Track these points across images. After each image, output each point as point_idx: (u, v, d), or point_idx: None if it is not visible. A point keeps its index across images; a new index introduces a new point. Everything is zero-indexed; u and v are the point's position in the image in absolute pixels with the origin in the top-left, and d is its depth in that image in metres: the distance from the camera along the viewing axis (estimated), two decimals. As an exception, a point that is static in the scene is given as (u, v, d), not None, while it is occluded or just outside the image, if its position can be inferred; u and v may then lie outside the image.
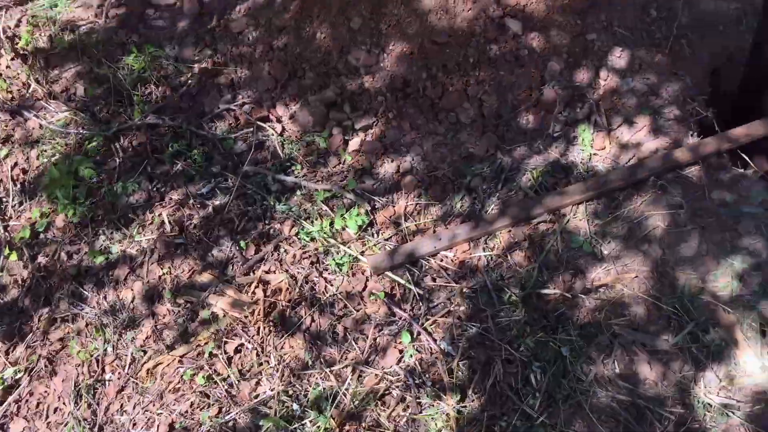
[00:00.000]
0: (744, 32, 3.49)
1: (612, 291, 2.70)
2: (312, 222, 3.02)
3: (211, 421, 2.57)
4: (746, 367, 2.46)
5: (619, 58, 3.20)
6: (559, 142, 3.12)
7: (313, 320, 2.78)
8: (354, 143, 3.21)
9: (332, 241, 2.93)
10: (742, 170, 3.01)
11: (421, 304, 2.76)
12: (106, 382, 2.80)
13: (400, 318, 2.73)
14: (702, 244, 2.71)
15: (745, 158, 3.31)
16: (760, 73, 3.19)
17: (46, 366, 2.89)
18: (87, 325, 2.95)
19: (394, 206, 3.02)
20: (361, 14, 3.33)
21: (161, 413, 2.66)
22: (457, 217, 2.98)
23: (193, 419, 2.63)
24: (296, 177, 3.17)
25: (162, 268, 3.04)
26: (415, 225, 2.97)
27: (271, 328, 2.74)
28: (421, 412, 2.52)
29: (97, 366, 2.84)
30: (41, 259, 3.17)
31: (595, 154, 3.07)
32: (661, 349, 2.53)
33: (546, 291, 2.71)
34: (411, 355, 2.63)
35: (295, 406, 2.57)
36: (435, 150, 3.18)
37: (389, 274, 2.83)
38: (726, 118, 3.71)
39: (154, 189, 3.30)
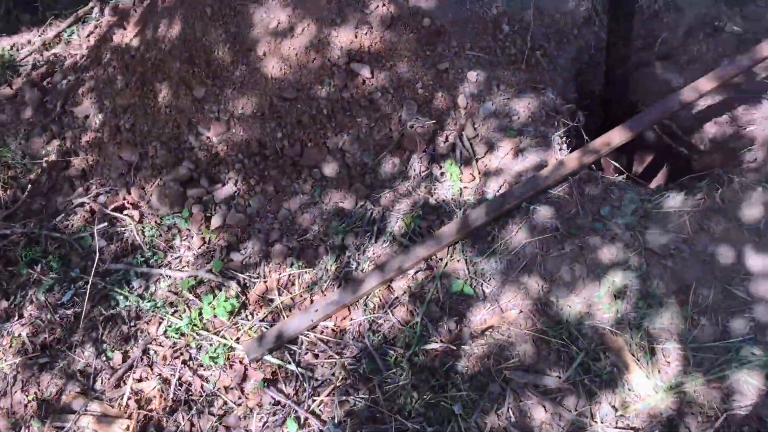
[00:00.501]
0: (598, 31, 3.50)
1: (498, 332, 2.60)
2: (180, 315, 2.84)
3: None
4: (639, 390, 2.40)
5: (475, 82, 3.15)
6: (427, 182, 3.03)
7: (192, 425, 2.59)
8: (216, 219, 3.05)
9: (203, 333, 2.76)
10: (612, 178, 2.98)
11: (305, 384, 2.61)
12: None
13: (284, 405, 2.57)
14: (581, 265, 2.65)
15: (617, 165, 3.30)
16: (619, 68, 3.20)
17: None
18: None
19: (265, 281, 2.87)
20: (203, 82, 3.18)
21: None
22: (334, 280, 2.85)
23: None
24: (159, 267, 2.98)
25: (27, 395, 2.80)
26: (290, 297, 2.82)
27: (147, 445, 2.54)
28: None
29: None
30: None
31: (465, 187, 3.00)
32: (554, 387, 2.44)
33: (431, 346, 2.59)
34: (299, 445, 2.48)
35: None
36: (303, 211, 3.05)
37: (268, 357, 2.67)
38: (599, 118, 3.73)
39: (12, 306, 3.06)
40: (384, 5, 3.13)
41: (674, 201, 2.78)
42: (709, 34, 3.65)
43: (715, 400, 2.31)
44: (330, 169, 3.08)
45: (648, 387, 2.39)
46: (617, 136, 2.86)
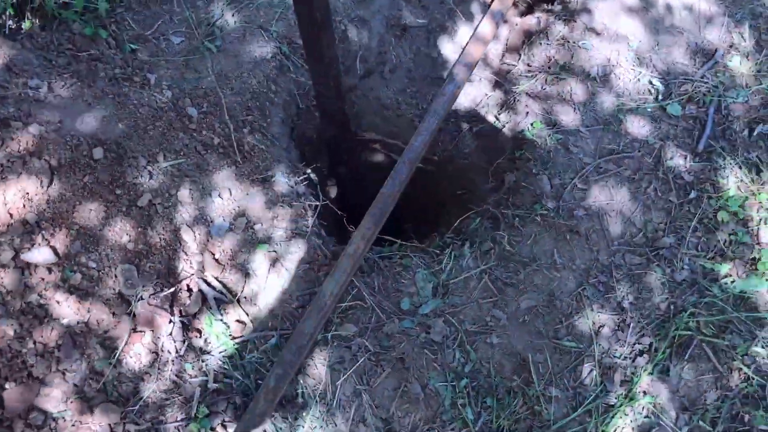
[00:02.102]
0: (296, 76, 3.09)
1: None
2: None
3: None
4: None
5: (191, 203, 2.51)
6: (192, 358, 2.36)
7: None
8: None
9: None
10: (391, 252, 2.69)
11: None
12: None
13: None
14: (413, 383, 2.35)
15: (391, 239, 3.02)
16: (330, 104, 2.89)
17: None
18: None
19: None
20: None
21: None
22: None
23: None
24: None
25: None
26: None
27: None
28: None
29: None
30: None
31: (237, 344, 2.41)
32: None
33: None
34: None
35: None
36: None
37: None
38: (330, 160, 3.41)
39: None
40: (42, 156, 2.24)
41: (466, 261, 2.61)
42: (399, 36, 3.50)
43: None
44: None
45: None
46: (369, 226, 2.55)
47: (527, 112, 3.15)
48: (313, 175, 2.98)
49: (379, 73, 3.50)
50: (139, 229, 2.41)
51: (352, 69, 3.38)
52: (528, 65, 3.49)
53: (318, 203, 2.80)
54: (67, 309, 2.23)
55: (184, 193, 2.54)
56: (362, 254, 2.52)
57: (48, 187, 2.27)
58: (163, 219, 2.47)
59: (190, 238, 2.51)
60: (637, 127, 2.94)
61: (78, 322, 2.25)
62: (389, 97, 3.56)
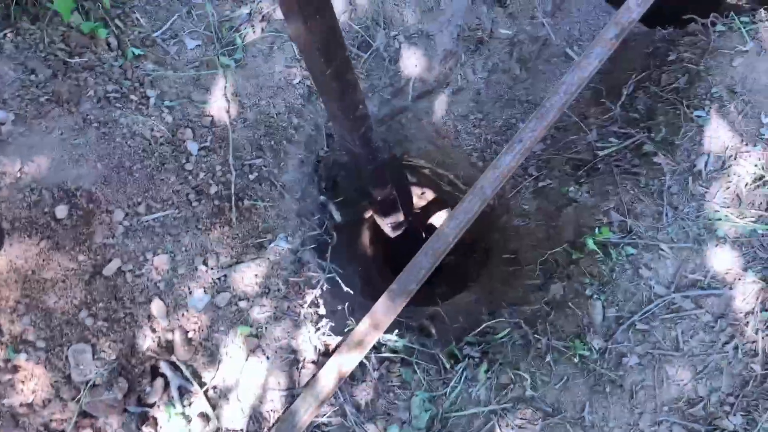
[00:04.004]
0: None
1: None
2: None
3: None
4: None
5: (168, 269, 2.29)
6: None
7: None
8: None
9: None
10: (391, 358, 2.40)
11: None
12: None
13: None
14: None
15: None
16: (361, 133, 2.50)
17: None
18: None
19: None
20: None
21: None
22: None
23: None
24: None
25: None
26: None
27: None
28: None
29: None
30: None
31: (199, 444, 2.25)
32: None
33: None
34: None
35: None
36: None
37: None
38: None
39: None
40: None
41: (477, 390, 2.29)
42: (474, 50, 2.96)
43: None
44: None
45: None
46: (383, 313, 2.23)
47: (608, 190, 2.63)
48: (327, 228, 2.65)
49: (439, 94, 3.00)
50: (102, 304, 2.20)
51: (403, 91, 2.90)
52: (627, 114, 2.89)
53: (322, 276, 2.49)
54: (9, 389, 2.10)
55: (161, 259, 2.29)
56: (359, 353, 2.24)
57: (-5, 254, 2.07)
58: (132, 290, 2.24)
59: (161, 312, 2.28)
60: (738, 253, 2.39)
61: (21, 404, 2.12)
62: (447, 123, 3.08)
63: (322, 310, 2.52)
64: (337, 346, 2.39)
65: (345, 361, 2.28)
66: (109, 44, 2.49)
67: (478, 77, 3.04)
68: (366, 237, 3.74)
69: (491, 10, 2.95)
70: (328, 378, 2.27)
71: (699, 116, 2.58)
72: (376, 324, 2.35)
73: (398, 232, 3.35)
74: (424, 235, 3.60)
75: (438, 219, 4.02)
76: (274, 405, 2.32)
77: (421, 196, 3.87)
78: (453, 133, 3.09)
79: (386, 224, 3.25)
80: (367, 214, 3.59)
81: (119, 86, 2.45)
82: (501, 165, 2.48)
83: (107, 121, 2.36)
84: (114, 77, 2.45)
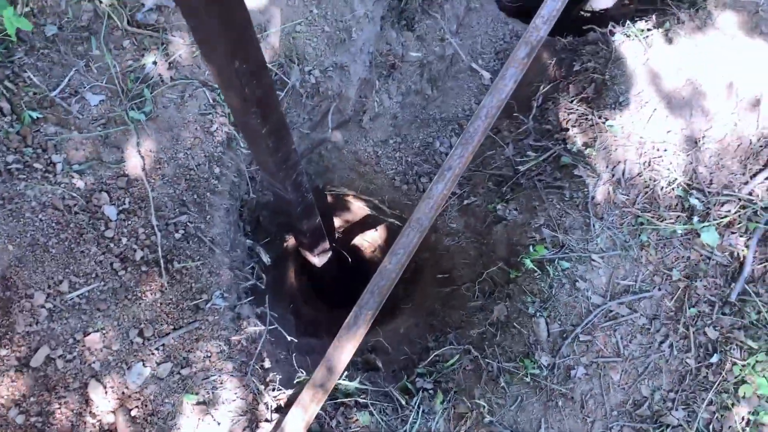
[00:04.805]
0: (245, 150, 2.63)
1: None
2: None
3: None
4: None
5: (102, 348, 2.16)
6: None
7: None
8: None
9: None
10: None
11: None
12: None
13: None
14: None
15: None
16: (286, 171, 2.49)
17: None
18: None
19: None
20: None
21: None
22: None
23: None
24: None
25: None
26: None
27: None
28: None
29: None
30: None
31: None
32: None
33: None
34: None
35: None
36: None
37: None
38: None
39: None
40: None
41: (436, 423, 2.33)
42: (387, 75, 2.99)
43: None
44: None
45: None
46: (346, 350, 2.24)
47: (535, 206, 2.73)
48: (261, 281, 2.61)
49: (357, 122, 3.01)
50: (33, 398, 2.06)
51: (321, 124, 2.89)
52: (540, 126, 3.02)
53: (263, 329, 2.45)
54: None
55: (93, 338, 2.18)
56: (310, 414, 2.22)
57: None
58: (65, 376, 2.12)
59: (99, 395, 2.18)
60: (661, 254, 2.56)
61: None
62: (367, 150, 3.10)
63: (267, 363, 2.48)
64: (291, 400, 2.37)
65: (307, 411, 2.26)
66: (1, 110, 2.32)
67: (394, 101, 3.08)
68: (292, 270, 3.71)
69: (400, 35, 2.99)
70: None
71: (611, 126, 2.74)
72: (331, 368, 2.35)
73: (324, 260, 3.35)
74: (349, 259, 3.61)
75: (360, 239, 4.04)
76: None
77: (341, 221, 3.88)
78: (374, 158, 3.11)
79: (312, 254, 3.24)
80: (290, 245, 3.55)
81: (20, 155, 2.29)
82: (434, 194, 2.54)
83: (12, 196, 2.21)
84: (12, 146, 2.28)
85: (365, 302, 2.40)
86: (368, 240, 3.97)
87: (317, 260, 3.34)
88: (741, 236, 2.60)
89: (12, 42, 2.38)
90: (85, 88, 2.45)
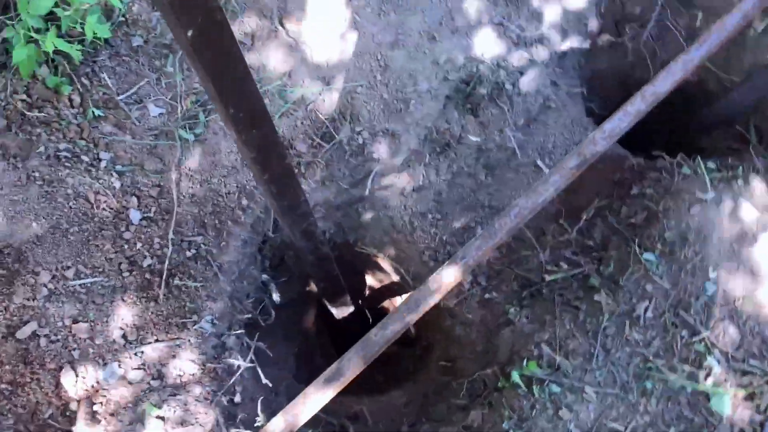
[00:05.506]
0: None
1: None
2: None
3: None
4: None
5: (87, 340, 2.30)
6: None
7: None
8: None
9: None
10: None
11: None
12: None
13: None
14: None
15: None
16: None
17: None
18: None
19: None
20: None
21: None
22: None
23: None
24: None
25: None
26: None
27: None
28: None
29: None
30: None
31: None
32: None
33: None
34: None
35: None
36: None
37: None
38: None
39: None
40: None
41: None
42: (440, 152, 3.04)
43: None
44: None
45: None
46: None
47: (545, 320, 2.67)
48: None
49: (399, 189, 3.07)
50: (8, 366, 2.24)
51: (362, 183, 2.97)
52: (582, 239, 2.96)
53: (242, 364, 2.53)
54: None
55: (81, 327, 2.34)
56: None
57: None
58: (44, 355, 2.28)
59: (70, 382, 2.32)
60: (663, 407, 2.42)
61: None
62: (404, 218, 3.15)
63: (238, 398, 2.55)
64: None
65: None
66: (71, 101, 2.59)
67: (441, 178, 3.12)
68: (311, 314, 3.78)
69: (462, 116, 3.05)
70: None
71: (648, 259, 2.64)
72: (292, 424, 2.37)
73: (344, 314, 3.40)
74: (371, 320, 3.64)
75: (388, 304, 4.07)
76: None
77: (373, 280, 3.92)
78: (409, 228, 3.16)
79: (332, 306, 3.30)
80: (314, 289, 3.63)
81: (73, 145, 2.53)
82: (439, 281, 2.54)
83: (53, 179, 2.44)
84: (69, 136, 2.53)
85: (341, 368, 2.42)
86: (395, 306, 3.99)
87: (336, 312, 3.40)
88: (758, 413, 2.40)
89: (100, 45, 2.65)
90: (149, 99, 2.69)
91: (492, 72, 3.05)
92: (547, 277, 2.86)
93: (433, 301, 2.50)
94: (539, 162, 3.27)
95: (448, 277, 2.54)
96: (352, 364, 2.41)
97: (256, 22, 2.80)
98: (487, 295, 3.02)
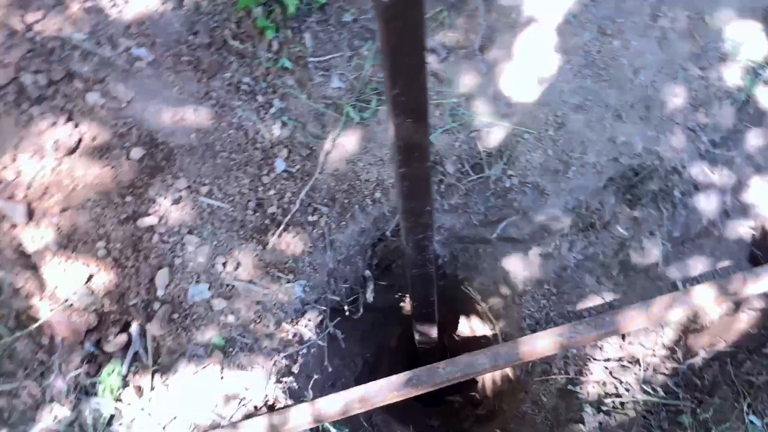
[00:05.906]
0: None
1: None
2: None
3: None
4: None
5: (193, 252, 2.49)
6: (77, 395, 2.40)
7: None
8: None
9: None
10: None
11: None
12: None
13: None
14: None
15: None
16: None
17: None
18: None
19: None
20: None
21: None
22: None
23: None
24: None
25: None
26: None
27: None
28: None
29: None
30: None
31: (121, 408, 2.38)
32: None
33: None
34: None
35: None
36: None
37: None
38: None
39: None
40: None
41: None
42: (581, 229, 2.95)
43: None
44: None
45: None
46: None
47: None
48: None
49: (525, 245, 3.02)
50: (119, 245, 2.43)
51: (493, 226, 2.96)
52: (690, 373, 2.76)
53: (314, 338, 2.58)
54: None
55: (192, 239, 2.50)
56: None
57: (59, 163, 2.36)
58: (151, 249, 2.46)
59: (162, 282, 2.47)
60: None
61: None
62: (518, 278, 3.08)
63: (295, 368, 2.60)
64: (279, 408, 2.45)
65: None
66: (270, 45, 2.80)
67: (572, 254, 3.03)
68: (396, 330, 3.78)
69: (618, 204, 2.95)
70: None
71: (753, 422, 2.41)
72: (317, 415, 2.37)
73: (422, 341, 3.36)
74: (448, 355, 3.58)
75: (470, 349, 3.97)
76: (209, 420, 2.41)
77: (466, 324, 3.86)
78: (520, 290, 3.09)
79: (417, 330, 3.27)
80: (408, 310, 3.63)
81: (255, 82, 2.73)
82: (531, 344, 2.45)
83: (225, 104, 2.64)
84: (255, 74, 2.74)
85: (388, 385, 2.39)
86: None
87: (418, 338, 3.38)
88: None
89: (315, 7, 2.86)
90: (335, 71, 2.85)
91: (666, 173, 2.94)
92: (639, 396, 2.69)
93: (516, 361, 2.43)
94: (678, 283, 3.09)
95: (543, 344, 2.46)
96: (404, 388, 2.38)
97: (458, 39, 2.90)
98: (570, 386, 2.88)
